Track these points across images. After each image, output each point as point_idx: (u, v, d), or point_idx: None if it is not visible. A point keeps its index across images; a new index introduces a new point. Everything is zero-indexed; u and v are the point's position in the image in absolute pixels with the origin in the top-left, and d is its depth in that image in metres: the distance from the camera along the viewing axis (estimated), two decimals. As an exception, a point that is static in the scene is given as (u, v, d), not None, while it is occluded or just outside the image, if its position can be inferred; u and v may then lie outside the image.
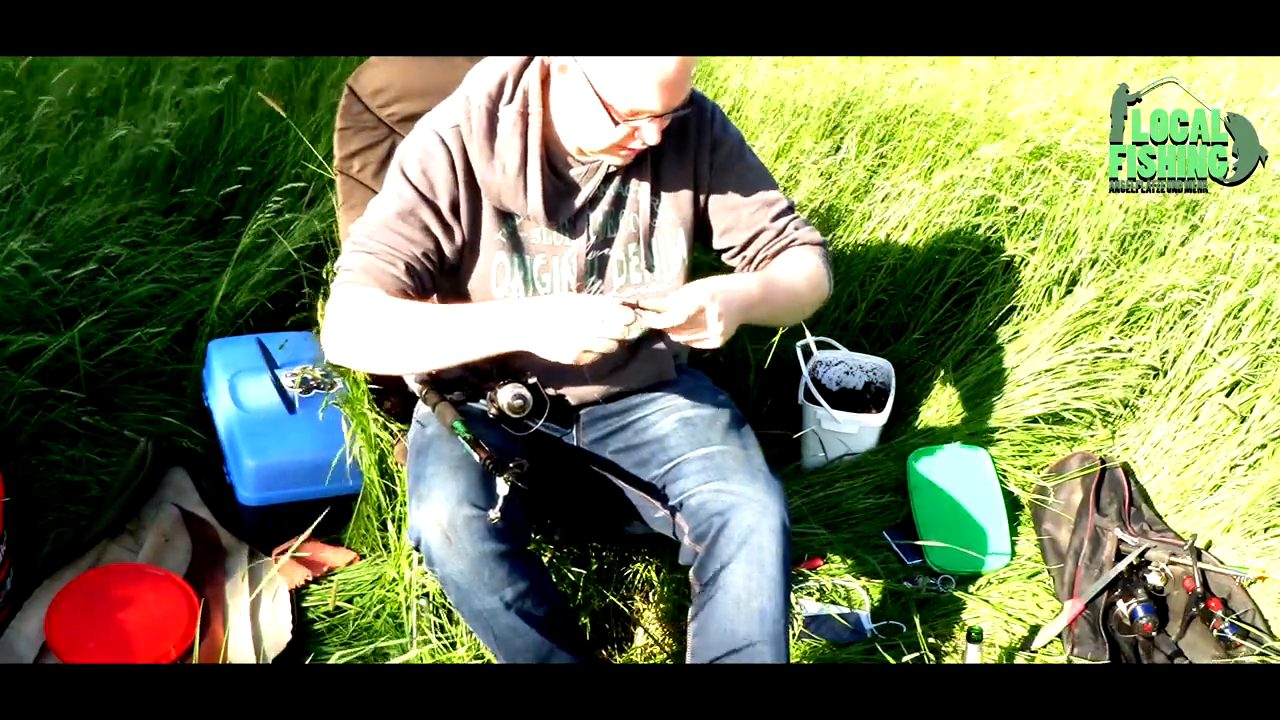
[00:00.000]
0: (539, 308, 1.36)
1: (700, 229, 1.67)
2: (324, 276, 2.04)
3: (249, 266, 2.48)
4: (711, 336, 1.42)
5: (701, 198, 1.64)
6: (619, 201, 1.58)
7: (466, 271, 1.57)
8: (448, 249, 1.53)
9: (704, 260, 1.75)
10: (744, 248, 1.66)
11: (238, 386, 2.16)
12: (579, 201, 1.55)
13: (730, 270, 1.70)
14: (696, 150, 1.60)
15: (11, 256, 2.35)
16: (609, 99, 1.40)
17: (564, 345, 1.34)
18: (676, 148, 1.59)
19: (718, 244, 1.68)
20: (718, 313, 1.41)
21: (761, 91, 3.37)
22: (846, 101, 3.37)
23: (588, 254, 1.58)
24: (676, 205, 1.61)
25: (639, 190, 1.58)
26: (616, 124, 1.42)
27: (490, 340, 1.39)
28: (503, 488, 1.38)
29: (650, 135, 1.44)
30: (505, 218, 1.55)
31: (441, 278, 1.60)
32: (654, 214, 1.60)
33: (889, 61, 3.67)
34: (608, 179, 1.56)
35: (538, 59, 1.51)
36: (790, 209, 1.67)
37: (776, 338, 2.23)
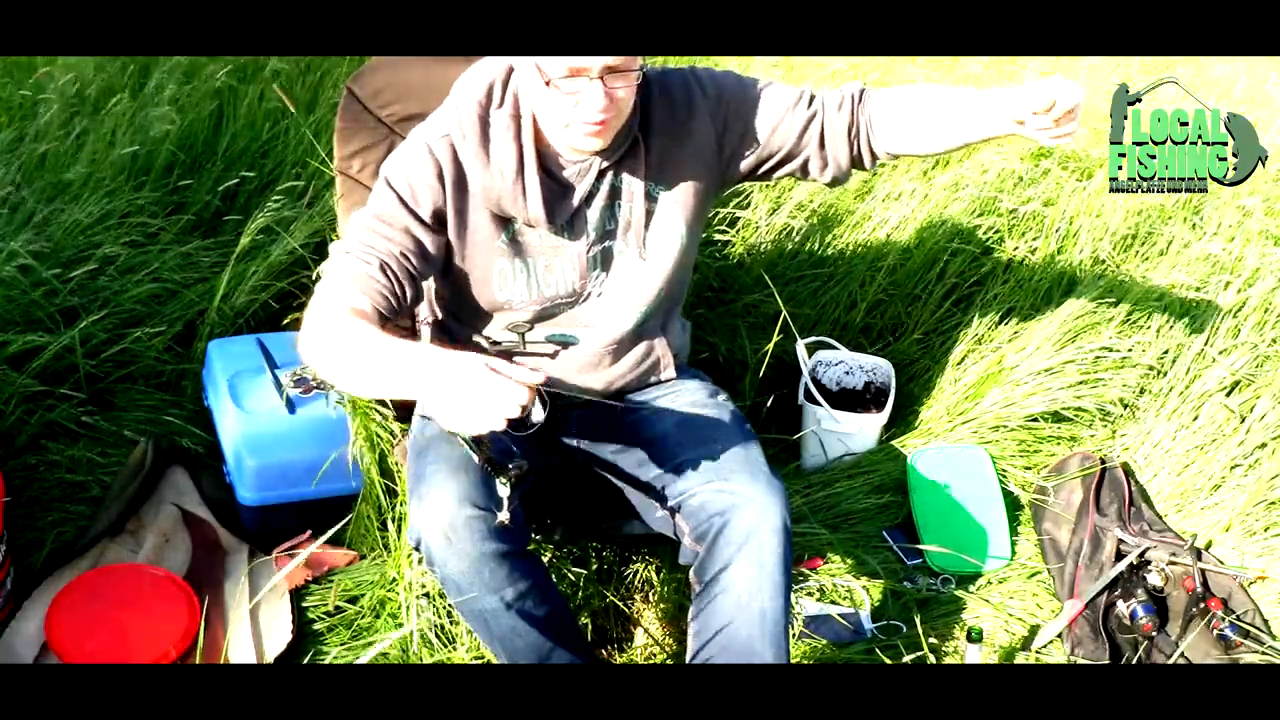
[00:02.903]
0: (447, 374, 1.28)
1: (737, 177, 1.64)
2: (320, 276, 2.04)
3: (249, 266, 2.48)
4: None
5: (720, 159, 1.60)
6: (614, 194, 1.57)
7: (467, 279, 1.57)
8: (431, 251, 1.51)
9: (703, 263, 1.75)
10: (799, 145, 1.59)
11: (238, 386, 2.16)
12: (576, 201, 1.55)
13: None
14: (691, 121, 1.57)
15: (11, 256, 2.35)
16: (544, 65, 1.39)
17: (456, 417, 1.27)
18: (666, 126, 1.57)
19: (773, 165, 1.63)
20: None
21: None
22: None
23: (589, 251, 1.58)
24: (678, 187, 1.59)
25: (632, 180, 1.57)
26: (547, 85, 1.39)
27: (405, 389, 1.33)
28: (504, 489, 1.38)
29: (592, 97, 1.39)
30: (504, 223, 1.54)
31: (441, 281, 1.60)
32: (650, 199, 1.59)
33: (888, 61, 3.67)
34: (601, 175, 1.55)
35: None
36: (805, 91, 1.61)
37: (773, 339, 2.23)
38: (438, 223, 1.52)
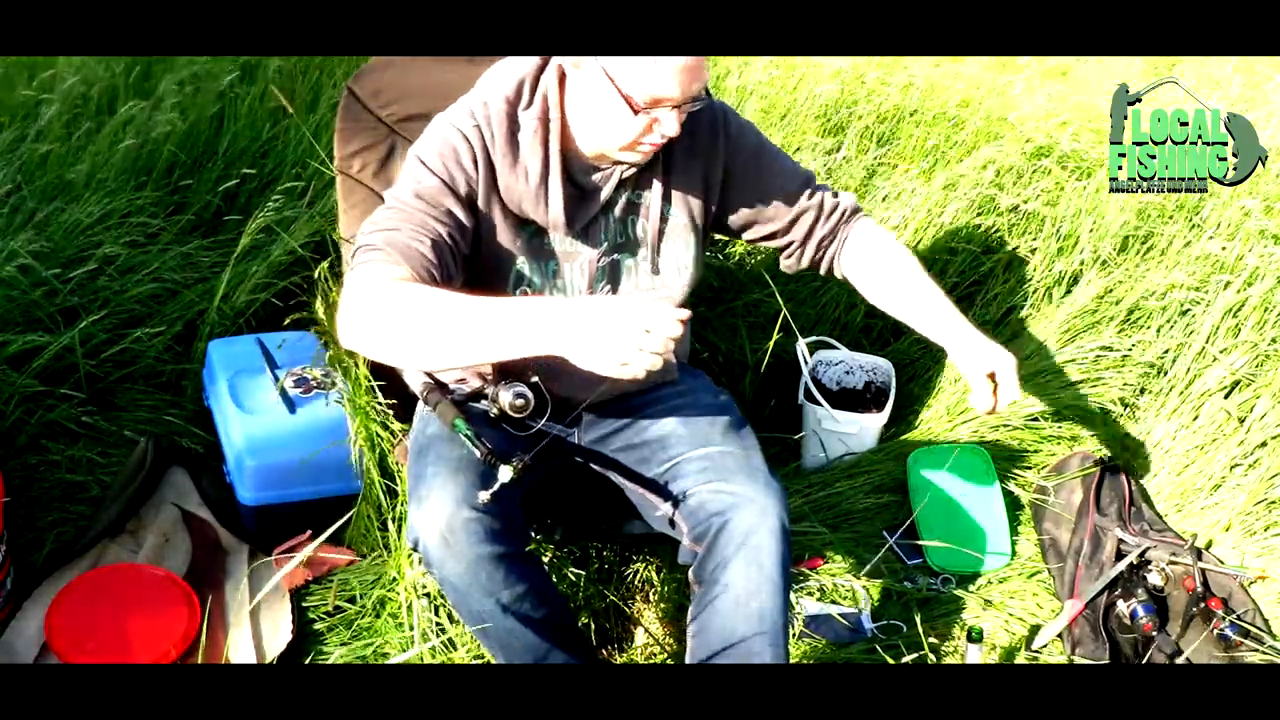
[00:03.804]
0: (582, 311, 1.22)
1: (722, 227, 1.68)
2: (321, 275, 2.04)
3: (249, 266, 2.48)
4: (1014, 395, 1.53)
5: (719, 200, 1.63)
6: (631, 208, 1.57)
7: (483, 271, 1.56)
8: (469, 236, 1.49)
9: (714, 263, 1.75)
10: (789, 229, 1.67)
11: (238, 386, 2.16)
12: (595, 208, 1.55)
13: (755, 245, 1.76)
14: (710, 153, 1.59)
15: (12, 256, 2.35)
16: (627, 89, 1.38)
17: (604, 356, 1.21)
18: (688, 150, 1.58)
19: (756, 234, 1.69)
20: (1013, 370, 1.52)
21: (760, 91, 3.37)
22: (844, 100, 3.36)
23: (599, 260, 1.57)
24: (688, 209, 1.60)
25: (650, 195, 1.57)
26: (636, 114, 1.40)
27: (523, 341, 1.25)
28: (505, 474, 1.37)
29: (670, 126, 1.42)
30: (523, 222, 1.54)
31: (458, 270, 1.59)
32: (664, 218, 1.59)
33: (888, 61, 3.67)
34: (621, 185, 1.55)
35: (554, 61, 1.49)
36: (813, 179, 1.69)
37: (773, 338, 2.22)
38: (471, 206, 1.50)
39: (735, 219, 1.67)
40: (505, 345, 1.27)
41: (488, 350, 1.28)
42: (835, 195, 1.69)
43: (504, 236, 1.53)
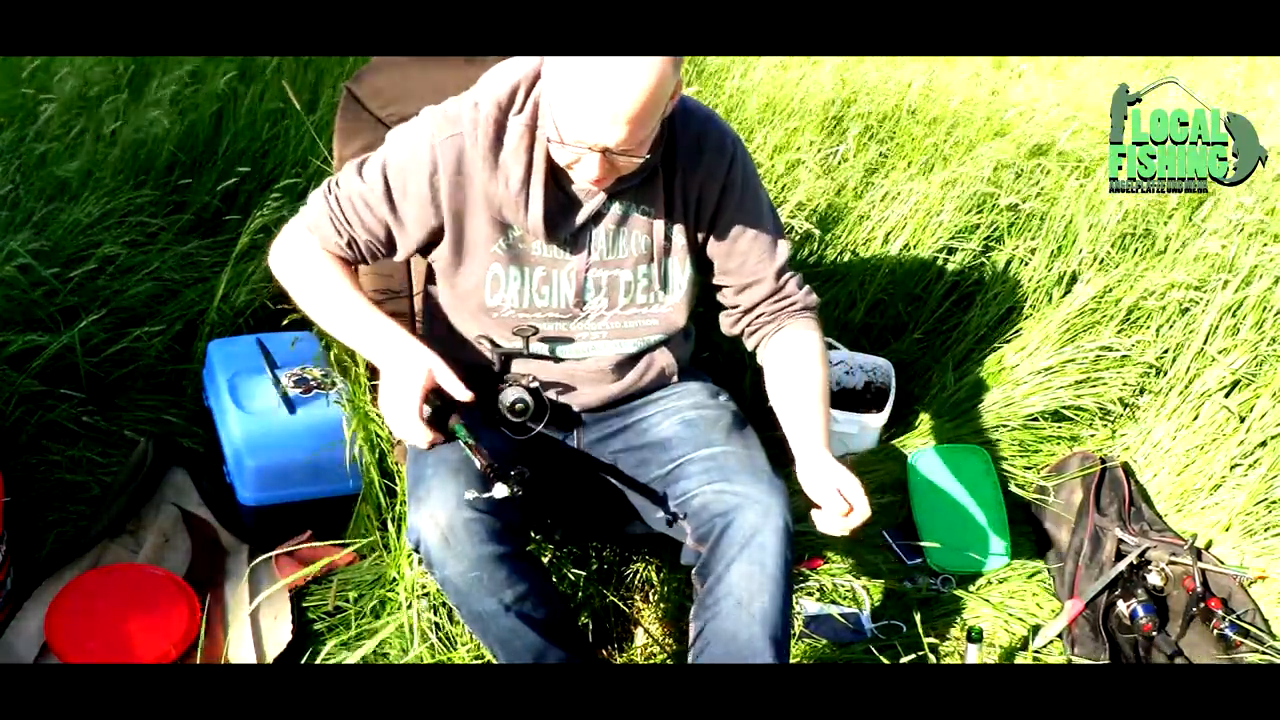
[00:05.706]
0: (393, 369, 1.45)
1: (698, 258, 1.63)
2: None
3: (249, 266, 2.48)
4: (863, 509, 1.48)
5: (704, 229, 1.59)
6: (624, 221, 1.55)
7: (461, 278, 1.56)
8: (399, 245, 1.55)
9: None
10: (740, 291, 1.63)
11: (238, 386, 2.16)
12: (581, 218, 1.52)
13: (715, 295, 1.70)
14: (707, 180, 1.55)
15: (11, 256, 2.35)
16: (558, 119, 1.36)
17: (383, 406, 1.47)
18: (691, 167, 1.54)
19: (716, 280, 1.65)
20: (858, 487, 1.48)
21: (760, 90, 3.37)
22: (845, 99, 3.37)
23: (587, 270, 1.56)
24: (684, 230, 1.58)
25: (650, 210, 1.54)
26: (550, 141, 1.39)
27: (365, 354, 1.56)
28: (501, 490, 1.38)
29: (586, 170, 1.39)
30: (504, 228, 1.53)
31: (440, 282, 1.60)
32: (667, 237, 1.57)
33: (887, 61, 3.67)
34: (612, 197, 1.53)
35: None
36: (790, 263, 1.64)
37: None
38: (418, 216, 1.51)
39: (708, 250, 1.62)
40: (358, 349, 1.58)
41: (349, 344, 1.58)
42: (801, 287, 1.65)
43: (481, 243, 1.52)
